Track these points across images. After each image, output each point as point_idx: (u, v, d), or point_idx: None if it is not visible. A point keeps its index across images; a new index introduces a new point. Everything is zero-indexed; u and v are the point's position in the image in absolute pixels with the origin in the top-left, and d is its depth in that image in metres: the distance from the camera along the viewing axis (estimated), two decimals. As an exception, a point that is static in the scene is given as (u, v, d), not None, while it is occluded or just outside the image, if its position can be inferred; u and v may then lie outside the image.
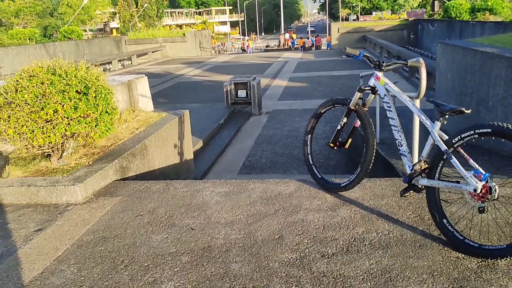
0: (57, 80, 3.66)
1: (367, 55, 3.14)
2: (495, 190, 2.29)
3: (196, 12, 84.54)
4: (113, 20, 65.24)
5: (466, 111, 2.41)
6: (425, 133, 2.63)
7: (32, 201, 3.63)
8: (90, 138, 3.97)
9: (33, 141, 3.63)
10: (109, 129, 4.07)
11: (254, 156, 8.71)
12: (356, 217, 2.96)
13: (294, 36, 48.27)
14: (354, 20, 47.77)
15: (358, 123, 3.21)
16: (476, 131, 2.33)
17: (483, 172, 2.34)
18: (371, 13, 52.55)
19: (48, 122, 3.62)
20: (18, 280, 2.48)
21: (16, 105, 3.56)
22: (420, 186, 2.69)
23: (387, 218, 2.91)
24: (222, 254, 2.62)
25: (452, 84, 7.18)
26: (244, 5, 75.39)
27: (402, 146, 2.88)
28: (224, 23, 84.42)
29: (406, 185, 2.76)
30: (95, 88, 3.85)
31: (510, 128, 2.20)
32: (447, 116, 2.51)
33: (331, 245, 2.63)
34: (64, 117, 3.63)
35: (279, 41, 49.30)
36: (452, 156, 2.43)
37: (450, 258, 2.39)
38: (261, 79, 13.92)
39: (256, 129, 10.84)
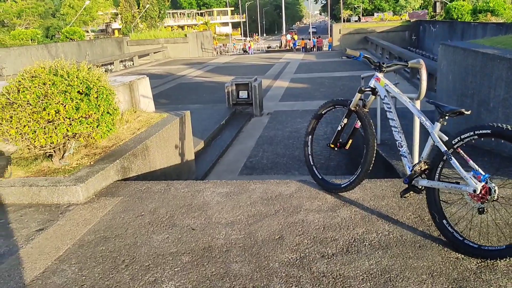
0: (59, 81, 3.68)
1: (367, 56, 3.15)
2: (495, 191, 2.29)
3: (198, 13, 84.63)
4: (115, 21, 65.37)
5: (466, 112, 2.42)
6: (425, 134, 2.64)
7: (33, 201, 3.65)
8: (91, 138, 3.99)
9: (35, 141, 3.65)
10: (110, 129, 4.09)
11: (255, 157, 8.72)
12: (356, 218, 2.97)
13: (296, 37, 48.32)
14: (355, 21, 47.79)
15: (359, 124, 3.22)
16: (476, 132, 2.34)
17: (483, 173, 2.35)
18: (372, 14, 52.56)
19: (50, 122, 3.64)
20: (20, 279, 2.50)
21: (18, 106, 3.58)
22: (420, 187, 2.69)
23: (387, 219, 2.92)
24: (223, 254, 2.63)
25: (453, 85, 7.18)
26: (246, 6, 75.50)
27: (402, 147, 2.89)
28: (225, 24, 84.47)
29: (406, 186, 2.77)
30: (97, 89, 3.87)
31: (510, 129, 2.21)
32: (447, 117, 2.51)
33: (331, 245, 2.64)
34: (66, 117, 3.65)
35: (281, 42, 49.32)
36: (452, 157, 2.44)
37: (450, 258, 2.40)
38: (262, 80, 13.94)
39: (258, 130, 10.86)
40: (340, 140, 3.42)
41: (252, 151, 9.10)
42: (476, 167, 2.38)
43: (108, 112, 4.00)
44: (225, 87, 12.68)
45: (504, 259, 2.29)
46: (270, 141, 9.75)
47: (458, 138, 2.41)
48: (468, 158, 2.37)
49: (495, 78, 5.82)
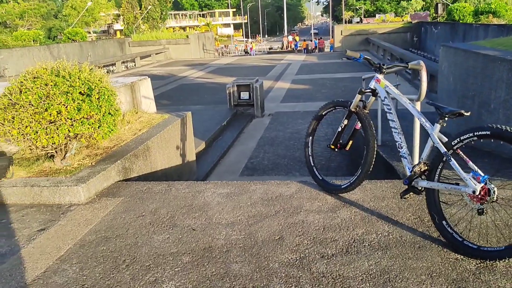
0: (61, 82, 3.70)
1: (368, 57, 3.15)
2: (494, 192, 2.30)
3: (199, 14, 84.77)
4: (117, 22, 65.57)
5: (465, 114, 2.42)
6: (426, 135, 2.65)
7: (35, 201, 3.67)
8: (93, 139, 4.00)
9: (36, 142, 3.67)
10: (112, 130, 4.11)
11: (256, 158, 8.74)
12: (356, 219, 2.98)
13: (298, 38, 48.34)
14: (357, 22, 47.82)
15: (359, 125, 3.22)
16: (475, 133, 2.34)
17: (482, 174, 2.35)
18: (374, 16, 52.62)
19: (51, 123, 3.66)
20: (21, 279, 2.51)
21: (20, 106, 3.60)
22: (420, 188, 2.70)
23: (387, 220, 2.93)
24: (223, 255, 2.64)
25: (454, 86, 7.19)
26: (248, 7, 75.56)
27: (402, 148, 2.90)
28: (227, 25, 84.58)
29: (406, 187, 2.78)
30: (98, 90, 3.89)
31: (509, 130, 2.22)
32: (446, 119, 2.52)
33: (331, 246, 2.65)
34: (67, 118, 3.67)
35: (282, 43, 49.37)
36: (451, 158, 2.45)
37: (449, 259, 2.41)
38: (264, 81, 13.96)
39: (259, 131, 10.88)
40: (341, 141, 3.43)
41: (253, 152, 9.12)
42: (476, 168, 2.38)
43: (109, 113, 4.02)
44: (226, 88, 12.71)
45: (503, 260, 2.30)
46: (271, 142, 9.77)
47: (458, 139, 2.42)
48: (467, 159, 2.38)
49: (495, 80, 5.83)
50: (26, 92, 3.63)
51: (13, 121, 3.60)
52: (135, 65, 30.73)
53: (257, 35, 73.77)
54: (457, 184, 2.47)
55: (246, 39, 65.44)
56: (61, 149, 3.99)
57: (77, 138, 3.92)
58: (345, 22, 48.93)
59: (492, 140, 2.34)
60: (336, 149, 3.45)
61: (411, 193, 2.76)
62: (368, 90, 3.16)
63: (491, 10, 26.40)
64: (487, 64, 6.04)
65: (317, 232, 2.82)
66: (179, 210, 3.35)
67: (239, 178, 7.56)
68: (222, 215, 3.20)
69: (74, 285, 2.42)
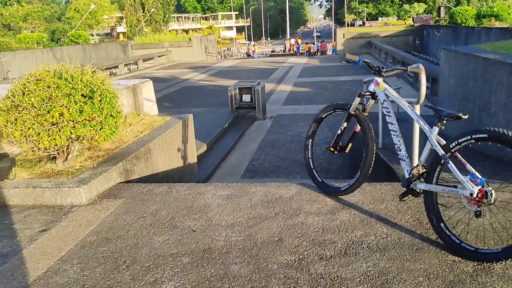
0: (63, 84, 3.74)
1: (367, 61, 3.18)
2: (491, 195, 2.31)
3: (202, 17, 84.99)
4: (120, 25, 65.86)
5: (463, 117, 2.44)
6: (425, 138, 2.67)
7: (37, 202, 3.70)
8: (95, 141, 4.04)
9: (39, 143, 3.71)
10: (113, 132, 4.14)
11: (258, 160, 8.76)
12: (355, 221, 3.00)
13: (300, 41, 48.41)
14: (359, 25, 47.91)
15: (359, 128, 3.24)
16: (473, 136, 2.36)
17: (479, 177, 2.37)
18: (377, 19, 52.65)
19: (54, 125, 3.69)
20: (23, 279, 2.54)
21: (23, 108, 3.64)
22: (418, 190, 2.72)
23: (386, 222, 2.95)
24: (222, 256, 2.66)
25: (455, 90, 7.20)
26: (250, 10, 75.77)
27: (400, 150, 2.92)
28: (230, 28, 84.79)
29: (405, 189, 2.80)
30: (100, 92, 3.93)
31: (506, 133, 2.24)
32: (444, 121, 2.54)
33: (329, 247, 2.66)
34: (69, 120, 3.71)
35: (285, 46, 49.46)
36: (449, 161, 2.47)
37: (447, 261, 2.42)
38: (266, 84, 14.00)
39: (260, 134, 10.90)
40: (340, 144, 3.45)
41: (255, 155, 9.14)
42: (473, 170, 2.40)
43: (111, 115, 4.05)
44: (228, 90, 12.76)
45: (501, 262, 2.31)
46: (273, 144, 9.79)
47: (456, 142, 2.44)
48: (465, 162, 2.40)
49: (496, 83, 5.84)
50: (29, 94, 3.66)
51: (16, 123, 3.64)
52: (137, 67, 30.84)
53: (262, 38, 73.92)
54: (455, 186, 2.49)
55: (248, 42, 65.58)
56: (63, 150, 4.02)
57: (79, 140, 3.96)
58: (348, 25, 49.01)
59: (489, 143, 2.36)
60: (336, 152, 3.47)
61: (410, 195, 2.77)
62: (367, 93, 3.18)
63: (493, 14, 26.42)
64: (487, 67, 6.05)
65: (316, 234, 2.84)
66: (180, 212, 3.37)
67: (240, 181, 7.58)
68: (222, 216, 3.23)
69: (75, 285, 2.44)
